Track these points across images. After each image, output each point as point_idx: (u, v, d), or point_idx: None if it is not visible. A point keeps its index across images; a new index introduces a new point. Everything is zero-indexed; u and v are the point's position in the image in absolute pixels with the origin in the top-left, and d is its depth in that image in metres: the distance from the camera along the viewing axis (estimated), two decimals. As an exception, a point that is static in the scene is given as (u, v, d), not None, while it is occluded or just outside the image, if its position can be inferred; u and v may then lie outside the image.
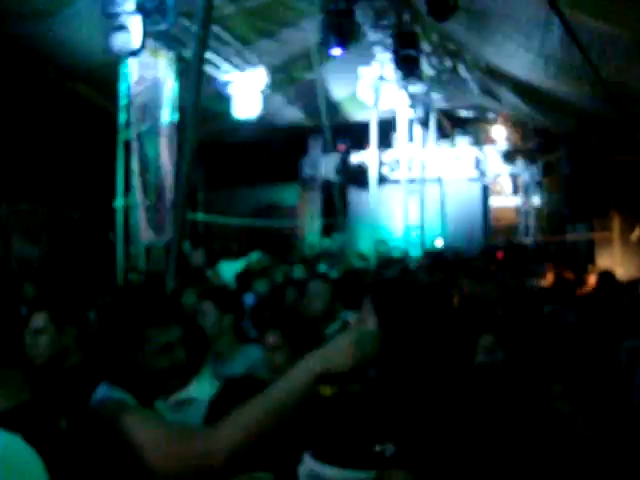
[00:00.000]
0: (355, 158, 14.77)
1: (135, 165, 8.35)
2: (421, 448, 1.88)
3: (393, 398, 1.98)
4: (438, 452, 1.93)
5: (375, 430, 1.86)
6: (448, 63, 11.10)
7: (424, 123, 13.03)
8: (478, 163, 14.39)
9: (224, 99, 10.46)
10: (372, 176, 13.12)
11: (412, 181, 13.19)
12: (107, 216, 9.43)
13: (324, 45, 8.57)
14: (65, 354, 3.11)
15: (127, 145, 8.47)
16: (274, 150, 14.52)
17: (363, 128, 13.83)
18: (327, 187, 14.86)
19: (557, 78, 9.09)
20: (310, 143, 15.27)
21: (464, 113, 14.63)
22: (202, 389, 2.93)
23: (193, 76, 6.17)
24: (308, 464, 1.85)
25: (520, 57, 8.98)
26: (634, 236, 11.63)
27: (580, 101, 10.02)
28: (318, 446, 1.86)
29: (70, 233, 10.87)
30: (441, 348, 2.45)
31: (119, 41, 7.43)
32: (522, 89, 10.84)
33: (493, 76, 11.08)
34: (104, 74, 8.75)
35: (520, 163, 14.21)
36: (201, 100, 6.11)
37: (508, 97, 11.95)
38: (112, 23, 7.35)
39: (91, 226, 11.27)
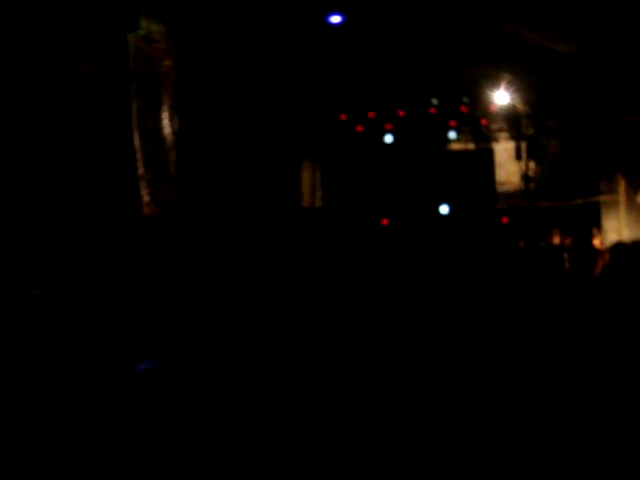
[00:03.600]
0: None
1: (136, 140, 8.32)
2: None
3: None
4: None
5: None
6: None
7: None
8: (481, 128, 14.30)
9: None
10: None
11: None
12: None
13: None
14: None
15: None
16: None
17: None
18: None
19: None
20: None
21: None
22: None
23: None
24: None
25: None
26: (640, 198, 11.58)
27: (585, 60, 9.93)
28: None
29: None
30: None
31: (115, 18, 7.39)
32: (526, 49, 10.72)
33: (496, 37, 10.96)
34: (101, 49, 8.68)
35: (524, 127, 14.10)
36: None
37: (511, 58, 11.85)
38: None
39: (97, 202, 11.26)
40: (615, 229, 11.38)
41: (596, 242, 9.73)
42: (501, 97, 14.22)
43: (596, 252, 7.55)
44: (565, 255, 5.60)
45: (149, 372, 2.16)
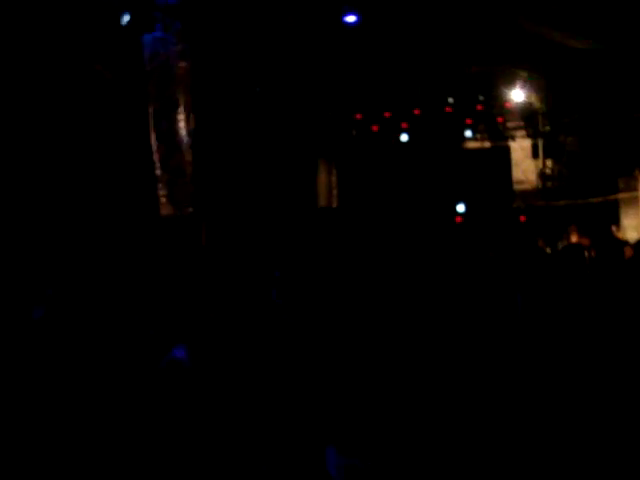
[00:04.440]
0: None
1: (152, 141, 8.37)
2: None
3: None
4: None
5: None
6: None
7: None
8: (497, 126, 14.25)
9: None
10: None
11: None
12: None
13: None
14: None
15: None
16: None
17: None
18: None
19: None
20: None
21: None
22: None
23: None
24: (335, 458, 1.98)
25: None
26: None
27: (602, 56, 9.87)
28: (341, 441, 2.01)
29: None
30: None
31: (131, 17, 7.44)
32: (542, 46, 10.67)
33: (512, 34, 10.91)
34: (118, 52, 8.73)
35: (540, 124, 14.04)
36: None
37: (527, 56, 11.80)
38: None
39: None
40: (634, 226, 11.29)
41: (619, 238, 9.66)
42: (517, 95, 14.15)
43: (620, 250, 7.49)
44: (587, 254, 5.57)
45: (176, 361, 2.20)
